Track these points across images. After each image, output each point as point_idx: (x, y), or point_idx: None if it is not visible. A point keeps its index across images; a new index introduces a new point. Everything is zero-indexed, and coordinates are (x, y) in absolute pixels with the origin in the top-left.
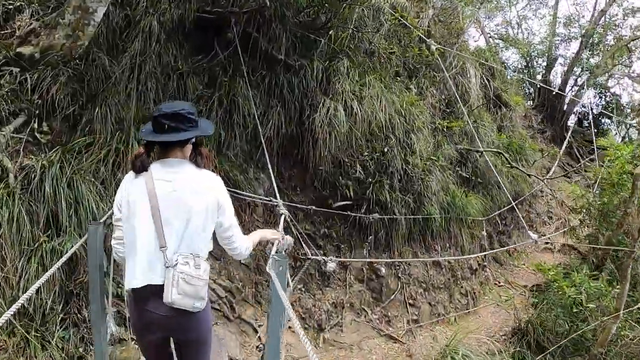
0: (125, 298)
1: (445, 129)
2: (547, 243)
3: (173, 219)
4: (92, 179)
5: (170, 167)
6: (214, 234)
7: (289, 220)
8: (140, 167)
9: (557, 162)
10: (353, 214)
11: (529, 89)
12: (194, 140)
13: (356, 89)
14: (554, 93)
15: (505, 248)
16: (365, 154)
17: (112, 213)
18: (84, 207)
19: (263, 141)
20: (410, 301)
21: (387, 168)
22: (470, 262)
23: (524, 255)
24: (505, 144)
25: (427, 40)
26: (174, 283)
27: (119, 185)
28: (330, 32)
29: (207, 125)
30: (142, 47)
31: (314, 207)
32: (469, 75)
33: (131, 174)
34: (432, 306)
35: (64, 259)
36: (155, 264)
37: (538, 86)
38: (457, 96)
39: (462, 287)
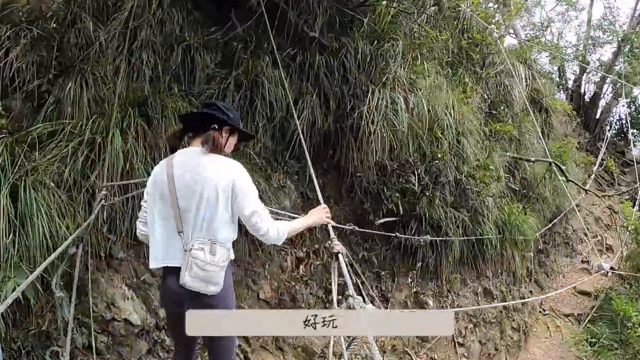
0: None
1: (493, 134)
2: (583, 262)
3: (189, 204)
4: (52, 185)
5: (191, 152)
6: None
7: (346, 261)
8: (170, 148)
9: (593, 174)
10: (401, 235)
11: (560, 95)
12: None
13: (412, 77)
14: (586, 100)
15: (571, 285)
16: (416, 159)
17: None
18: (37, 228)
19: (301, 136)
20: (460, 339)
21: (437, 177)
22: (521, 289)
23: (561, 277)
24: (556, 153)
25: (489, 27)
26: (188, 267)
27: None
28: (375, 10)
29: (236, 116)
30: (139, 9)
31: (356, 227)
32: (517, 74)
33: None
34: (482, 344)
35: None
36: (174, 247)
37: (571, 92)
38: (503, 96)
39: (513, 319)
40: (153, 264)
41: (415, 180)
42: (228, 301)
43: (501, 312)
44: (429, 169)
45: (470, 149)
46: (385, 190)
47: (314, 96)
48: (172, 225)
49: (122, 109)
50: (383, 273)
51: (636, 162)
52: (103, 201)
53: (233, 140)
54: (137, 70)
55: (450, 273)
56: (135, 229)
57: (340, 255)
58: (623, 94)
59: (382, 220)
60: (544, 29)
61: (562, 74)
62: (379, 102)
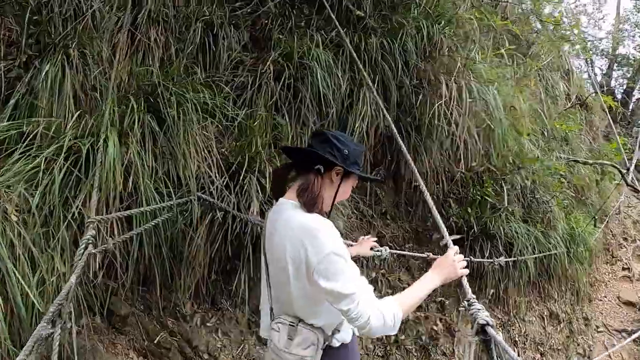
0: None
1: (546, 133)
2: (624, 269)
3: (275, 272)
4: (14, 216)
5: (280, 204)
6: None
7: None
8: (273, 191)
9: (630, 174)
10: (476, 260)
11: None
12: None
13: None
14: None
15: None
16: (501, 165)
17: None
18: None
19: (396, 136)
20: None
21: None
22: (584, 310)
23: (604, 286)
24: (609, 154)
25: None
26: (269, 348)
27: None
28: None
29: (364, 173)
30: None
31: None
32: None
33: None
34: None
35: None
36: (266, 317)
37: (601, 88)
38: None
39: (578, 343)
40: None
41: (492, 191)
42: None
43: (567, 336)
44: (499, 177)
45: (536, 152)
46: (452, 204)
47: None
48: (266, 293)
49: (122, 102)
50: (447, 302)
51: None
52: (91, 246)
53: (348, 188)
54: (144, 50)
55: (517, 296)
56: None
57: (490, 330)
58: None
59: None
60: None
61: (591, 68)
62: (453, 94)
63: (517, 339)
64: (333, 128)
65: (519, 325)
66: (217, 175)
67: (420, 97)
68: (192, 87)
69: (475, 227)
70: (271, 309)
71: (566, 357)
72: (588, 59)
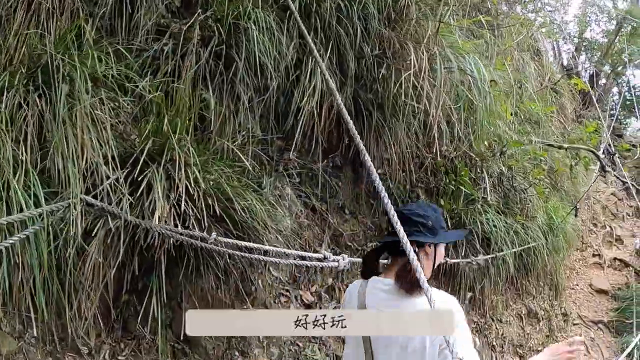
0: None
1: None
2: (594, 255)
3: (382, 346)
4: None
5: (383, 288)
6: None
7: None
8: (367, 272)
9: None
10: (452, 260)
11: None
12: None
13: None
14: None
15: None
16: (481, 149)
17: None
18: None
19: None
20: None
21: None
22: (563, 305)
23: (575, 274)
24: (584, 137)
25: None
26: None
27: None
28: None
29: (453, 234)
30: None
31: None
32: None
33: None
34: None
35: None
36: None
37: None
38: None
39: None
40: None
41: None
42: None
43: (547, 335)
44: (488, 165)
45: (512, 135)
46: (420, 194)
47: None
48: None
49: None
50: None
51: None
52: None
53: (442, 249)
54: (34, 13)
55: (492, 294)
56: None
57: None
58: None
59: None
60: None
61: (557, 51)
62: (424, 65)
63: (494, 342)
64: (275, 105)
65: (497, 327)
66: (115, 168)
67: (384, 69)
68: (92, 56)
69: (449, 221)
70: None
71: None
72: (554, 42)
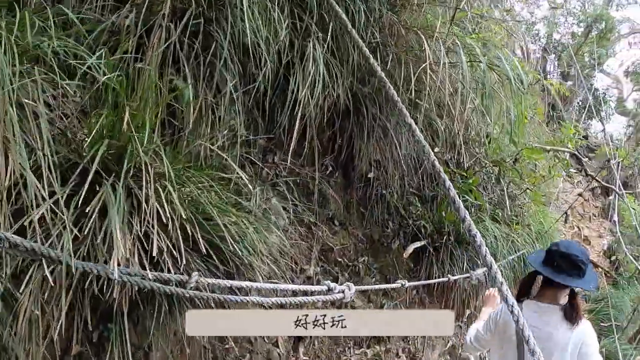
0: None
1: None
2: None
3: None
4: None
5: (542, 312)
6: None
7: None
8: (523, 295)
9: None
10: (455, 277)
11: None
12: None
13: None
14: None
15: None
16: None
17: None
18: None
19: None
20: None
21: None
22: None
23: None
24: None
25: None
26: None
27: None
28: None
29: (592, 276)
30: None
31: (407, 283)
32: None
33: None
34: None
35: None
36: None
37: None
38: None
39: None
40: None
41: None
42: None
43: None
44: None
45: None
46: (415, 202)
47: (324, 48)
48: None
49: None
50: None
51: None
52: None
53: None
54: None
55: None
56: None
57: None
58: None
59: (411, 249)
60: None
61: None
62: (441, 57)
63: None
64: (265, 95)
65: None
66: (54, 183)
67: (388, 59)
68: (29, 23)
69: (450, 232)
70: None
71: None
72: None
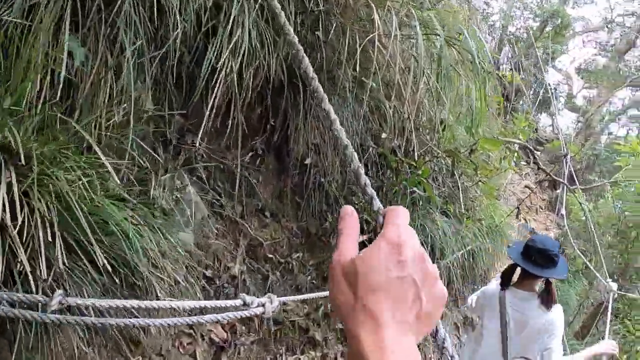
0: None
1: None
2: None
3: (516, 335)
4: None
5: (525, 297)
6: None
7: None
8: (505, 283)
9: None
10: None
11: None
12: None
13: None
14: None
15: None
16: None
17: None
18: None
19: None
20: None
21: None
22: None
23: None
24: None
25: None
26: None
27: None
28: None
29: (563, 265)
30: None
31: None
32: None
33: (497, 285)
34: None
35: None
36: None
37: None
38: None
39: None
40: None
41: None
42: None
43: None
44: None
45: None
46: (359, 192)
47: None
48: (498, 347)
49: None
50: None
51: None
52: None
53: None
54: None
55: None
56: None
57: None
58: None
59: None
60: None
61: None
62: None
63: (432, 357)
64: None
65: (433, 341)
66: None
67: (331, 31)
68: None
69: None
70: (504, 353)
71: None
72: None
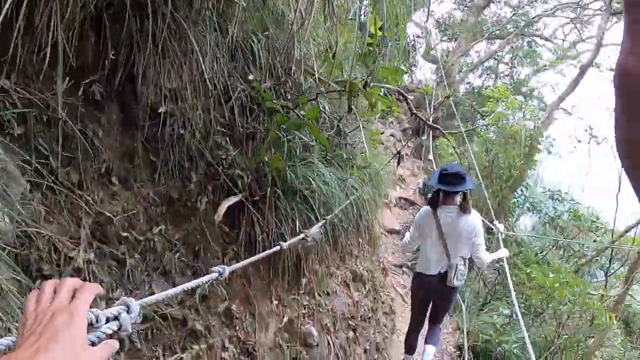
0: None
1: None
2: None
3: (452, 240)
4: None
5: (451, 210)
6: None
7: None
8: (434, 204)
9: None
10: (287, 243)
11: None
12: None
13: None
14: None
15: None
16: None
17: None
18: None
19: None
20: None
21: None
22: (380, 259)
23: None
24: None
25: None
26: (455, 275)
27: None
28: None
29: (470, 181)
30: None
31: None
32: None
33: (428, 207)
34: (367, 353)
35: None
36: (441, 263)
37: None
38: None
39: (383, 302)
40: (429, 271)
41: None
42: (459, 289)
43: (375, 298)
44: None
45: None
46: (226, 142)
47: None
48: (442, 251)
49: None
50: (234, 308)
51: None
52: None
53: None
54: None
55: (318, 267)
56: None
57: None
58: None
59: (224, 208)
60: None
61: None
62: None
63: (327, 322)
64: None
65: (325, 304)
66: None
67: None
68: None
69: (274, 181)
70: (447, 254)
71: (376, 323)
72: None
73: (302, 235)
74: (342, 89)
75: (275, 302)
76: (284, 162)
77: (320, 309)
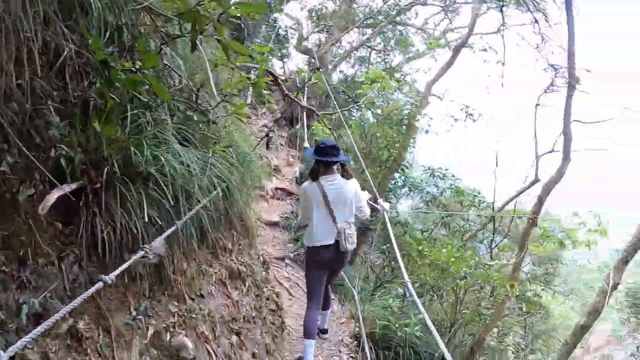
0: (305, 247)
1: None
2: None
3: (338, 205)
4: None
5: (332, 178)
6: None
7: None
8: (315, 177)
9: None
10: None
11: None
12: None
13: None
14: None
15: None
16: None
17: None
18: None
19: None
20: None
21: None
22: (259, 252)
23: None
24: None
25: None
26: (345, 239)
27: None
28: None
29: (344, 155)
30: None
31: None
32: None
33: (310, 181)
34: (256, 357)
35: None
36: (330, 231)
37: None
38: None
39: (267, 297)
40: (318, 242)
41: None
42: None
43: (257, 295)
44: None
45: None
46: (52, 115)
47: None
48: (328, 218)
49: None
50: (82, 326)
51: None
52: None
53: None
54: None
55: (184, 264)
56: None
57: None
58: None
59: (53, 199)
60: None
61: None
62: None
63: (204, 330)
64: None
65: (200, 309)
66: None
67: None
68: None
69: (113, 160)
70: (334, 221)
71: (262, 322)
72: None
73: (141, 253)
74: (183, 22)
75: (134, 313)
76: (126, 136)
77: (194, 315)
